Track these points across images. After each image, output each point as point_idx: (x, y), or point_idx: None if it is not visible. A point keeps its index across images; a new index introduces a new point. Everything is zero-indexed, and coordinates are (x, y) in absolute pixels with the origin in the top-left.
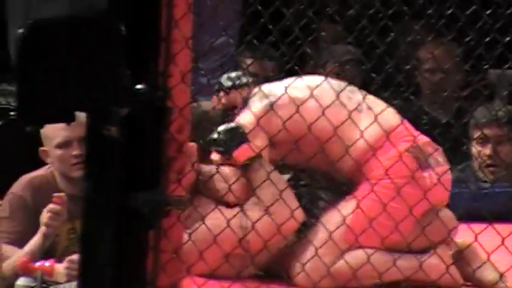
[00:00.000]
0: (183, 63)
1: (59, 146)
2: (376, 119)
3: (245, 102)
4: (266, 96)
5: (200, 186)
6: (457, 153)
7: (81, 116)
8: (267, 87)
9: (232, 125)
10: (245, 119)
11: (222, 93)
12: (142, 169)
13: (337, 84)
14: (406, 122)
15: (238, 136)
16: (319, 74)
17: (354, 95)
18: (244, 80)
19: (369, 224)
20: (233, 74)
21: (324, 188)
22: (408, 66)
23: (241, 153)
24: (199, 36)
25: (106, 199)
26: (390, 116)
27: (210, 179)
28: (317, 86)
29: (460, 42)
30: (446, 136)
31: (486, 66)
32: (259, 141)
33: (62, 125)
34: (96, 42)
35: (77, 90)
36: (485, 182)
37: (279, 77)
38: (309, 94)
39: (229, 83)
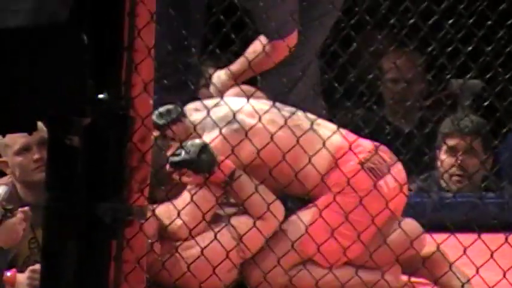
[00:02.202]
0: (146, 73)
1: (18, 152)
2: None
3: (185, 133)
4: (224, 120)
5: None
6: (419, 163)
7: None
8: (220, 111)
9: (198, 142)
10: (211, 141)
11: (156, 131)
12: (105, 179)
13: (286, 110)
14: (347, 133)
15: (211, 153)
16: None
17: (300, 120)
18: (174, 115)
19: (331, 234)
20: (163, 110)
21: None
22: (371, 76)
23: (223, 169)
24: (161, 45)
25: (68, 209)
26: (335, 136)
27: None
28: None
29: (422, 52)
30: (408, 146)
31: (448, 76)
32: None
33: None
34: (57, 51)
35: (39, 100)
36: (448, 191)
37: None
38: (264, 119)
39: (162, 121)
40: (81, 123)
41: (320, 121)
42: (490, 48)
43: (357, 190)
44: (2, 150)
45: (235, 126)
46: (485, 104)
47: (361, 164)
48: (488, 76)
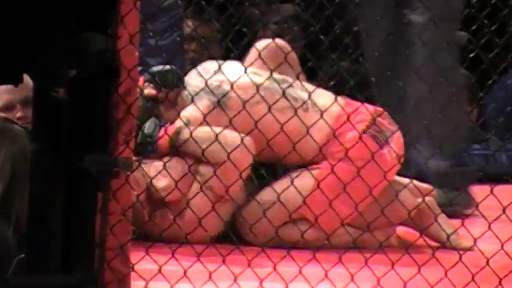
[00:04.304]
0: (132, 25)
1: (2, 109)
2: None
3: (176, 100)
4: (212, 92)
5: None
6: None
7: (24, 78)
8: (207, 70)
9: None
10: (192, 115)
11: (148, 85)
12: (91, 131)
13: (281, 79)
14: (347, 101)
15: (149, 135)
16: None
17: (297, 93)
18: (170, 80)
19: (328, 205)
20: (160, 71)
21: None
22: (356, 28)
23: (161, 147)
24: None
25: (54, 161)
26: (335, 105)
27: None
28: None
29: None
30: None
31: None
32: None
33: (4, 89)
34: (43, 2)
35: (24, 52)
36: None
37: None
38: (256, 96)
39: (159, 81)
40: (67, 75)
41: (319, 91)
42: None
43: (361, 157)
44: None
45: (215, 99)
46: (471, 55)
47: (364, 132)
48: (473, 28)
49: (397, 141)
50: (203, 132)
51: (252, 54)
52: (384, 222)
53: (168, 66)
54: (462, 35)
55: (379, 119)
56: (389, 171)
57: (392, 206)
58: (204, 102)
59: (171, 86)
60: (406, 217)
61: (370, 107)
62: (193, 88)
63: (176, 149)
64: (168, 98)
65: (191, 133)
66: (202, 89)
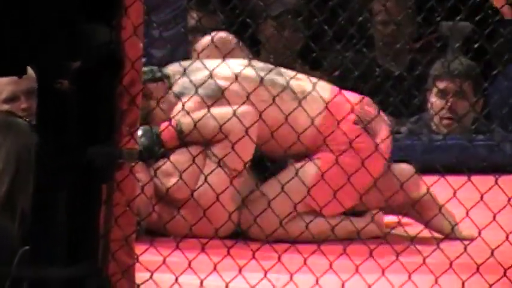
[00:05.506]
0: (135, 16)
1: (6, 101)
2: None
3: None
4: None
5: None
6: (409, 106)
7: (28, 69)
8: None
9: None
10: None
11: None
12: (95, 122)
13: (264, 67)
14: (338, 90)
15: (150, 134)
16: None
17: (285, 80)
18: (158, 74)
19: (332, 195)
20: (145, 69)
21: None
22: (361, 18)
23: (168, 135)
24: None
25: (59, 153)
26: (325, 93)
27: None
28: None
29: None
30: (398, 88)
31: (438, 18)
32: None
33: (8, 80)
34: None
35: (28, 43)
36: (438, 134)
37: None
38: (247, 89)
39: (145, 77)
40: (71, 66)
41: (300, 76)
42: None
43: (357, 149)
44: None
45: (211, 92)
46: (475, 46)
47: (356, 123)
48: (477, 18)
49: (384, 127)
50: (202, 115)
51: (200, 46)
52: (380, 200)
53: (152, 67)
54: (466, 25)
55: (366, 107)
56: (385, 156)
57: (390, 187)
58: (195, 98)
59: (157, 79)
60: (406, 193)
61: (356, 96)
62: (180, 88)
63: (183, 140)
64: (156, 93)
65: (195, 121)
66: (188, 87)
